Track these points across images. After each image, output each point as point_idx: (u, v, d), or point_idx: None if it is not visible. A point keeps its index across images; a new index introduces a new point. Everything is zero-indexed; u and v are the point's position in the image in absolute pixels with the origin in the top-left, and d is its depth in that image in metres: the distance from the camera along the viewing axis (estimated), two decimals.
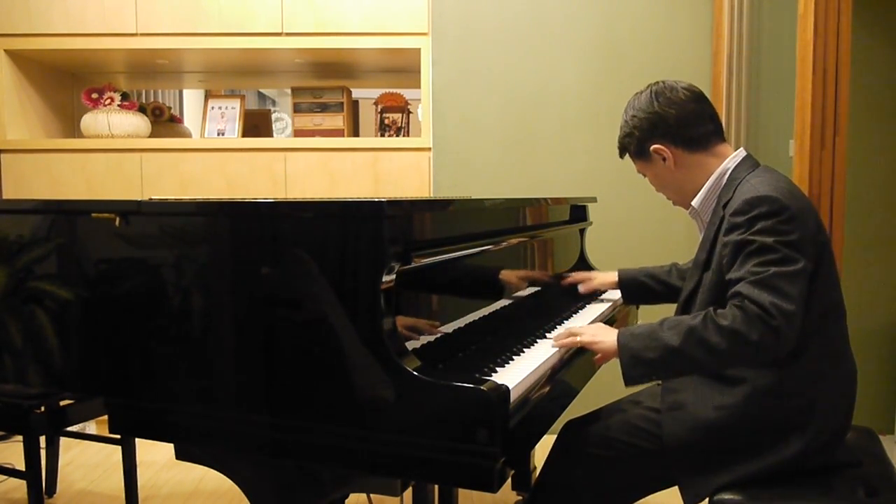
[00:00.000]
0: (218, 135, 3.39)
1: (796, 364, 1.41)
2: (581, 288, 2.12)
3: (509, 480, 1.80)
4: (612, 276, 2.10)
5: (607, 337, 1.45)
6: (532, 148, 3.19)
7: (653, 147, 1.57)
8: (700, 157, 1.57)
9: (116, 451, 2.45)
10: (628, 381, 1.40)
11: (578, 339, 1.50)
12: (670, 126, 1.55)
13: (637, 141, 1.59)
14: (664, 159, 1.57)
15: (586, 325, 1.57)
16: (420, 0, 3.06)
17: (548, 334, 1.64)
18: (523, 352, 1.50)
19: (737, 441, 1.43)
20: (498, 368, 1.35)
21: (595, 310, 2.05)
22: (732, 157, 1.56)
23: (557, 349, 1.52)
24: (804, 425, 1.40)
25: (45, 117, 3.43)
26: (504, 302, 1.76)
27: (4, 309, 1.60)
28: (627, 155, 1.67)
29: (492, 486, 1.11)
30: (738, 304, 1.31)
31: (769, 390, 1.42)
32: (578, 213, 2.46)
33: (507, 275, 1.81)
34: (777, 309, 1.28)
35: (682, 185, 1.60)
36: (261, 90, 7.23)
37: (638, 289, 2.06)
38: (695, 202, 1.60)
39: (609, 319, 2.02)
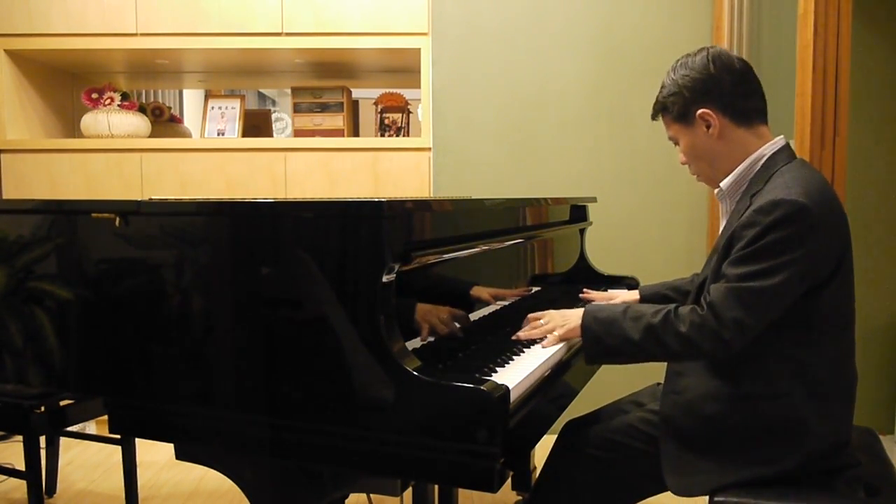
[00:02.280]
0: (218, 135, 3.39)
1: (799, 374, 1.39)
2: None
3: (509, 480, 1.80)
4: (634, 296, 2.03)
5: (574, 321, 1.53)
6: (532, 148, 3.19)
7: (700, 111, 1.47)
8: (743, 133, 1.48)
9: (116, 451, 2.45)
10: (588, 360, 1.48)
11: (557, 333, 1.54)
12: (724, 93, 1.46)
13: (684, 102, 1.49)
14: (709, 126, 1.48)
15: (550, 312, 1.61)
16: (420, 0, 3.06)
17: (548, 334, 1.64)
18: (523, 352, 1.50)
19: (731, 440, 1.42)
20: (498, 368, 1.35)
21: None
22: (772, 143, 1.49)
23: (559, 347, 1.52)
24: (803, 438, 1.38)
25: (45, 117, 3.43)
26: (504, 302, 1.76)
27: (4, 309, 1.60)
28: (661, 117, 1.57)
29: (492, 487, 1.11)
30: (700, 312, 1.36)
31: (769, 397, 1.40)
32: (578, 213, 2.46)
33: (506, 275, 1.81)
34: (735, 324, 1.32)
35: (718, 159, 1.51)
36: (261, 90, 7.23)
37: (662, 303, 1.99)
38: (724, 184, 1.52)
39: None
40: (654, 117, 1.60)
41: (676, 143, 1.57)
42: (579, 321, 1.49)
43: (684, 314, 1.38)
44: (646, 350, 1.40)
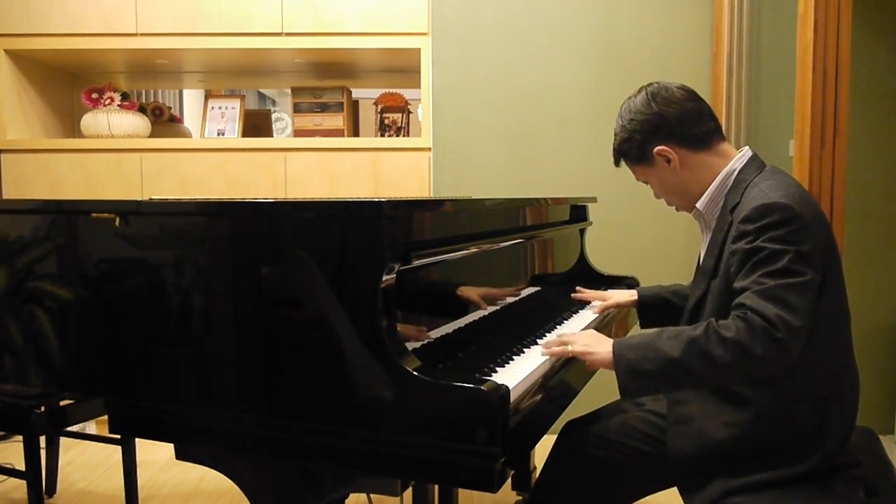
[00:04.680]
0: (218, 135, 3.39)
1: (803, 380, 1.37)
2: (596, 309, 1.98)
3: (509, 480, 1.80)
4: (632, 296, 1.96)
5: (601, 347, 1.38)
6: (532, 148, 3.19)
7: (656, 149, 1.50)
8: (704, 157, 1.50)
9: (116, 451, 2.45)
10: (624, 393, 1.34)
11: (570, 348, 1.42)
12: (672, 126, 1.48)
13: (638, 145, 1.52)
14: (668, 161, 1.50)
15: (579, 333, 1.49)
16: (420, 0, 3.06)
17: (548, 335, 1.64)
18: (523, 352, 1.50)
19: (745, 460, 1.40)
20: (498, 368, 1.35)
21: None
22: (738, 157, 1.50)
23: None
24: (814, 444, 1.37)
25: (45, 117, 3.43)
26: (504, 302, 1.76)
27: (4, 309, 1.60)
28: (624, 163, 1.60)
29: (492, 487, 1.11)
30: (741, 316, 1.26)
31: (777, 410, 1.38)
32: (578, 213, 2.46)
33: (506, 275, 1.81)
34: (783, 322, 1.23)
35: (688, 187, 1.53)
36: (261, 90, 7.23)
37: (661, 307, 1.90)
38: (699, 204, 1.53)
39: (608, 321, 2.00)
40: (616, 164, 1.63)
41: (646, 183, 1.60)
42: (608, 352, 1.35)
43: (727, 321, 1.28)
44: (690, 368, 1.26)
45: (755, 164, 1.49)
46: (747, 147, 1.54)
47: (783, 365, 1.26)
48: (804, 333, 1.25)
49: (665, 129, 1.49)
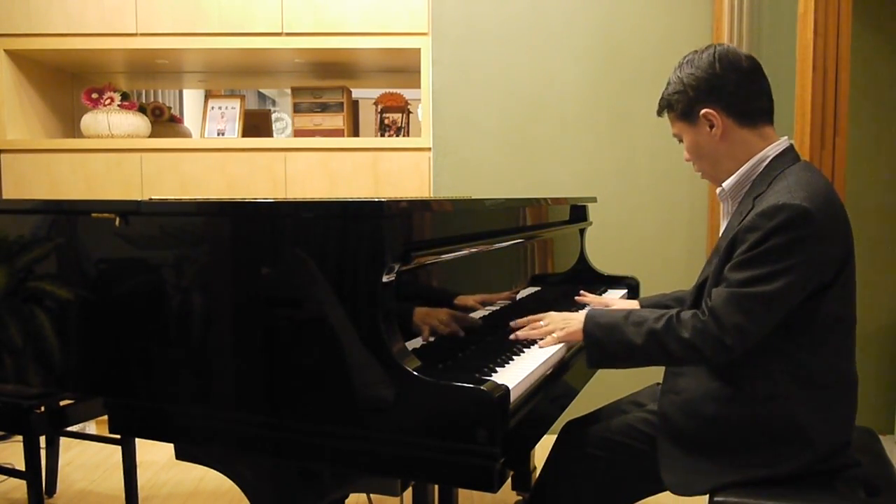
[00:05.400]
0: (218, 135, 3.39)
1: (800, 377, 1.39)
2: None
3: (509, 480, 1.80)
4: (633, 305, 1.96)
5: (575, 324, 1.53)
6: (532, 148, 3.19)
7: (704, 111, 1.47)
8: (747, 134, 1.47)
9: (116, 451, 2.45)
10: (590, 364, 1.48)
11: (556, 335, 1.55)
12: (729, 92, 1.45)
13: (689, 100, 1.48)
14: (712, 126, 1.47)
15: (549, 317, 1.62)
16: (420, 0, 3.06)
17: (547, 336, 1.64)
18: (523, 352, 1.50)
19: (730, 442, 1.42)
20: (498, 368, 1.35)
21: None
22: (775, 145, 1.48)
23: (559, 347, 1.52)
24: (803, 442, 1.38)
25: (45, 117, 3.43)
26: (504, 302, 1.76)
27: (4, 309, 1.60)
28: (666, 114, 1.56)
29: (492, 487, 1.11)
30: (702, 317, 1.37)
31: (768, 399, 1.40)
32: (578, 213, 2.46)
33: (506, 275, 1.81)
34: (737, 330, 1.33)
35: (721, 159, 1.50)
36: (261, 90, 7.23)
37: None
38: (726, 184, 1.51)
39: None
40: (659, 114, 1.59)
41: (681, 141, 1.57)
42: (580, 325, 1.48)
43: (686, 319, 1.38)
44: (648, 354, 1.41)
45: (789, 156, 1.47)
46: (787, 137, 1.51)
47: (728, 361, 1.39)
48: (756, 337, 1.36)
49: (720, 93, 1.46)
